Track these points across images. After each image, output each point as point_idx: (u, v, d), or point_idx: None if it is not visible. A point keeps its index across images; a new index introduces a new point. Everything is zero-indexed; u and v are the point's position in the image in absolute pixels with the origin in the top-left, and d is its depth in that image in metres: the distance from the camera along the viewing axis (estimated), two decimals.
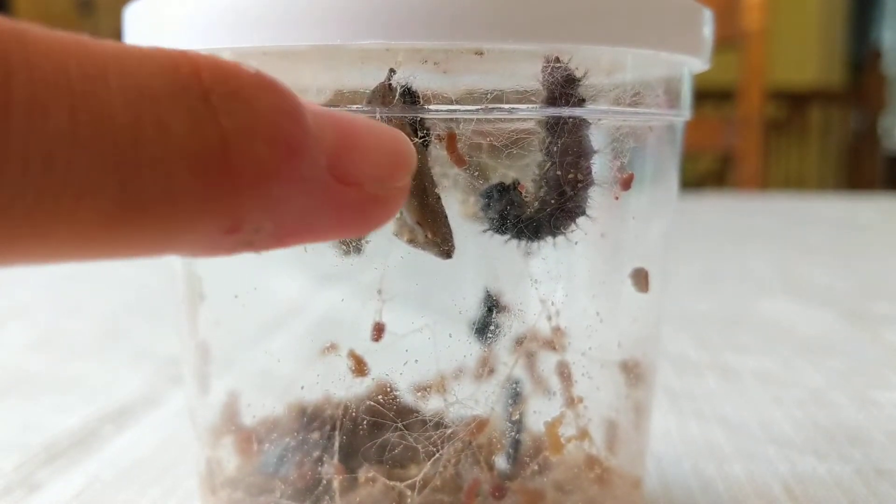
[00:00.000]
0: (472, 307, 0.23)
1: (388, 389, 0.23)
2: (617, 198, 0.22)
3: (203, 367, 0.25)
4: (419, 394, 0.23)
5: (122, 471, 0.31)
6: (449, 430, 0.22)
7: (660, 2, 0.21)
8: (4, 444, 0.34)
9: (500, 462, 0.24)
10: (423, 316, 0.22)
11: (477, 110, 0.20)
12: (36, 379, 0.43)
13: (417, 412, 0.23)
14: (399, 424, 0.22)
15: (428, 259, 0.21)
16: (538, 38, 0.19)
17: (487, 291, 0.24)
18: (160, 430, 0.36)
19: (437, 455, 0.22)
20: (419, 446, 0.22)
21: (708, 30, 0.24)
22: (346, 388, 0.23)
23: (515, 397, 0.24)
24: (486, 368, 0.24)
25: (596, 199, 0.21)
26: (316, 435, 0.24)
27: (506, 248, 0.22)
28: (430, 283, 0.22)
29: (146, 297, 0.65)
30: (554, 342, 0.23)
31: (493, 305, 0.23)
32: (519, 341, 0.24)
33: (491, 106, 0.20)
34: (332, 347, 0.23)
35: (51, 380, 0.43)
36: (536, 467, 0.23)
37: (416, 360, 0.22)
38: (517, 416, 0.24)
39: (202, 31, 0.20)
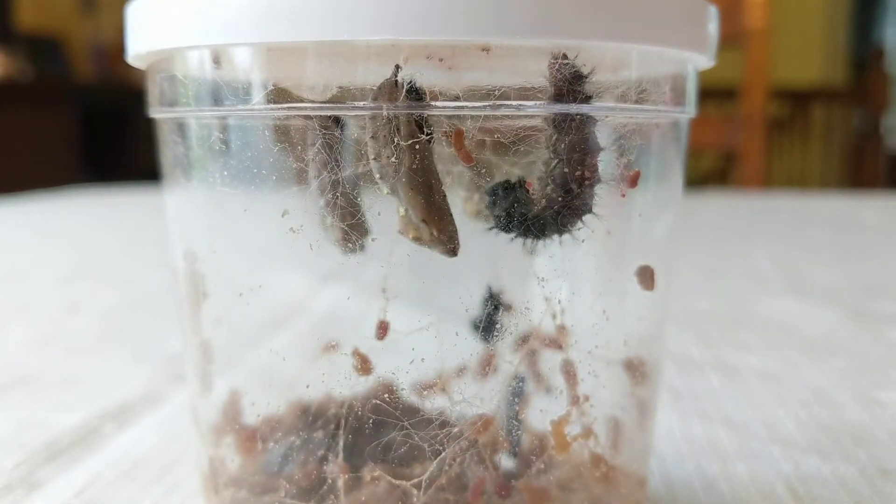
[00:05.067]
0: (478, 305, 0.23)
1: (393, 388, 0.23)
2: (623, 195, 0.22)
3: (206, 365, 0.25)
4: (424, 392, 0.23)
5: (124, 469, 0.31)
6: (455, 429, 0.22)
7: None
8: (5, 442, 0.34)
9: (505, 461, 0.24)
10: (429, 314, 0.22)
11: (484, 107, 0.20)
12: (37, 377, 0.43)
13: (422, 411, 0.23)
14: (405, 423, 0.22)
15: (433, 257, 0.21)
16: (545, 34, 0.19)
17: (492, 290, 0.23)
18: (161, 429, 0.36)
19: (443, 454, 0.22)
20: (425, 445, 0.22)
21: (713, 26, 0.24)
22: (350, 387, 0.23)
23: (520, 395, 0.24)
24: (490, 367, 0.24)
25: (602, 196, 0.21)
26: (320, 434, 0.23)
27: (511, 246, 0.22)
28: (435, 281, 0.22)
29: (148, 295, 0.65)
30: (559, 340, 0.23)
31: (498, 304, 0.23)
32: (524, 340, 0.23)
33: (498, 102, 0.20)
34: (337, 346, 0.23)
35: (52, 378, 0.43)
36: (542, 466, 0.23)
37: (423, 359, 0.22)
38: (523, 415, 0.24)
39: (205, 28, 0.20)
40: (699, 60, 0.24)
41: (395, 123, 0.20)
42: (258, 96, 0.21)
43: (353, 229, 0.22)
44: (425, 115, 0.20)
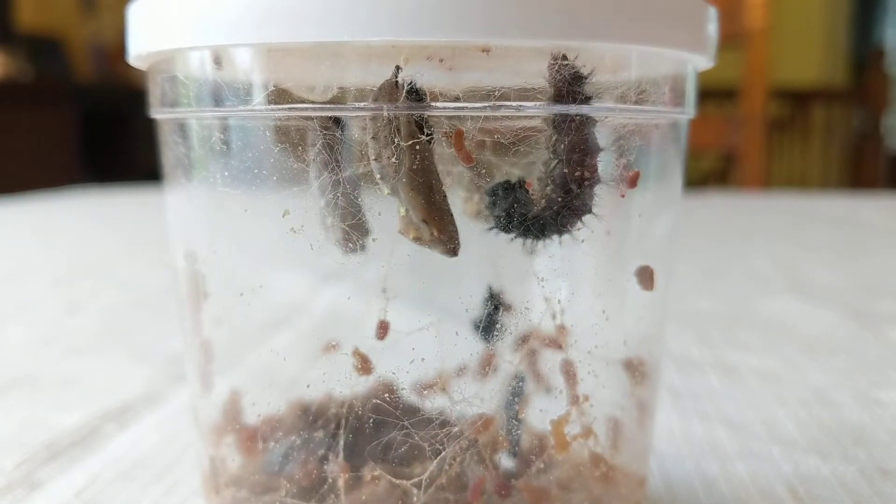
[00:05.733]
0: (478, 305, 0.23)
1: (393, 388, 0.23)
2: (623, 195, 0.22)
3: (206, 365, 0.25)
4: (425, 392, 0.23)
5: (124, 469, 0.31)
6: (455, 429, 0.22)
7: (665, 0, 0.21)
8: (5, 442, 0.34)
9: (505, 460, 0.24)
10: (429, 314, 0.22)
11: (485, 108, 0.20)
12: (37, 377, 0.43)
13: (422, 411, 0.23)
14: (405, 423, 0.22)
15: (433, 257, 0.21)
16: (545, 35, 0.19)
17: (492, 290, 0.24)
18: (161, 429, 0.36)
19: (443, 453, 0.22)
20: (425, 445, 0.22)
21: (713, 27, 0.24)
22: (351, 387, 0.23)
23: (520, 395, 0.24)
24: (490, 367, 0.24)
25: (602, 196, 0.21)
26: (320, 433, 0.23)
27: (511, 246, 0.22)
28: (435, 281, 0.22)
29: (148, 295, 0.65)
30: (559, 340, 0.23)
31: (498, 304, 0.23)
32: (524, 339, 0.24)
33: (499, 103, 0.20)
34: (337, 346, 0.23)
35: (52, 377, 0.43)
36: (542, 465, 0.23)
37: (423, 359, 0.22)
38: (523, 415, 0.24)
39: (206, 29, 0.20)
40: (699, 61, 0.24)
41: (395, 124, 0.20)
42: (259, 97, 0.21)
43: (353, 229, 0.22)
44: (425, 116, 0.20)
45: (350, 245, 0.22)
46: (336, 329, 0.24)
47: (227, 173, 0.23)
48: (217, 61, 0.22)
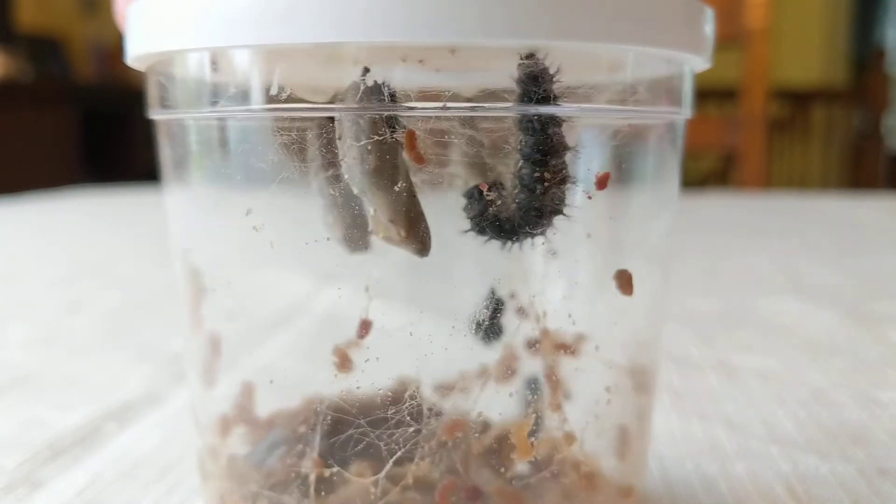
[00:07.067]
0: (475, 307, 0.23)
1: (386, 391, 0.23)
2: (590, 197, 0.22)
3: (206, 362, 0.25)
4: (428, 392, 0.23)
5: (125, 468, 0.31)
6: (426, 430, 0.22)
7: (661, 0, 0.21)
8: (7, 442, 0.34)
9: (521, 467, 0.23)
10: (428, 313, 0.22)
11: (457, 108, 0.20)
12: (38, 376, 0.43)
13: (400, 410, 0.23)
14: (393, 420, 0.22)
15: (434, 257, 0.21)
16: (539, 36, 0.19)
17: (492, 290, 0.24)
18: (163, 428, 0.36)
19: (419, 453, 0.22)
20: (398, 446, 0.22)
21: (709, 28, 0.24)
22: (330, 386, 0.23)
23: (536, 392, 0.24)
24: (490, 368, 0.24)
25: (580, 198, 0.21)
26: (302, 430, 0.23)
27: (507, 249, 0.22)
28: (434, 281, 0.22)
29: (148, 294, 0.65)
30: (556, 343, 0.23)
31: (498, 305, 0.23)
32: (520, 344, 0.24)
33: (476, 104, 0.20)
34: (337, 346, 0.23)
35: (53, 377, 0.43)
36: (520, 470, 0.23)
37: (424, 357, 0.22)
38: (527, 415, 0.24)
39: (204, 30, 0.20)
40: (695, 62, 0.24)
41: (361, 125, 0.20)
42: (256, 98, 0.21)
43: (355, 228, 0.22)
44: (392, 115, 0.20)
45: (352, 244, 0.22)
46: (335, 328, 0.24)
47: (225, 173, 0.23)
48: (214, 62, 0.22)
